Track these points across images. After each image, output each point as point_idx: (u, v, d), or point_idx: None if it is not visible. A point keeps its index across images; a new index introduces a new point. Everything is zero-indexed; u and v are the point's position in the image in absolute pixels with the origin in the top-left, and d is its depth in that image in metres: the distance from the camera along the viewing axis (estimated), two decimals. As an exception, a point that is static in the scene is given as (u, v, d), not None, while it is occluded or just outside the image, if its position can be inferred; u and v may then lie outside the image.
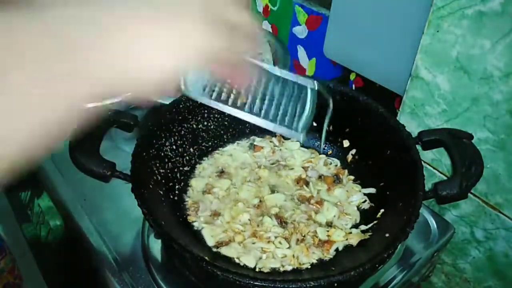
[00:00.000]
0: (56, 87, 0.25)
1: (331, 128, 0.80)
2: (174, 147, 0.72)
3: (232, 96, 0.44)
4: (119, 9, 0.27)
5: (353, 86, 0.99)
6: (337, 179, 0.74)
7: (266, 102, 0.46)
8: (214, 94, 0.44)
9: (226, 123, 0.80)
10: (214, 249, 0.62)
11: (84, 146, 0.58)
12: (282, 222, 0.66)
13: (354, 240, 0.63)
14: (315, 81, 0.45)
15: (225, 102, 0.44)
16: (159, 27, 0.28)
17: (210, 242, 0.63)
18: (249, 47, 0.35)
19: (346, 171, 0.76)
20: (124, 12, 0.27)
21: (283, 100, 0.47)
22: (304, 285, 0.48)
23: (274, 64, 0.70)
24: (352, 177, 0.75)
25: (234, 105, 0.44)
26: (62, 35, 0.25)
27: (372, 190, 0.71)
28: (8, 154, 0.25)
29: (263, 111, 0.45)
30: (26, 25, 0.25)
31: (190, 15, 0.29)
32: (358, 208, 0.70)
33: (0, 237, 0.64)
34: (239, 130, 0.82)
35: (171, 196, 0.68)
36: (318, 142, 0.81)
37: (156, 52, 0.28)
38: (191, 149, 0.76)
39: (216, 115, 0.79)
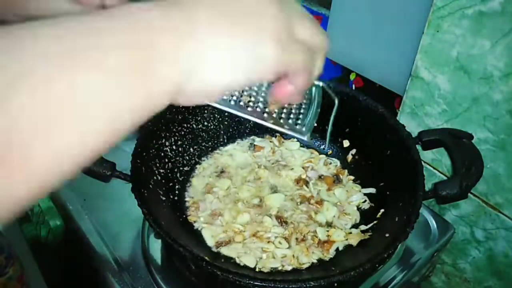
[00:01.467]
0: (132, 81, 0.24)
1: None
2: (174, 147, 0.72)
3: (236, 97, 0.44)
4: (199, 15, 0.27)
5: (353, 86, 0.99)
6: (337, 179, 0.74)
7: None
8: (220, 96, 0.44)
9: (226, 123, 0.80)
10: (214, 249, 0.62)
11: (84, 146, 0.58)
12: (282, 222, 0.66)
13: (354, 240, 0.63)
14: (321, 80, 0.45)
15: (230, 103, 0.44)
16: (235, 39, 0.27)
17: (210, 242, 0.63)
18: (320, 68, 0.34)
19: (346, 171, 0.76)
20: (203, 20, 0.27)
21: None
22: (304, 285, 0.48)
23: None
24: (352, 177, 0.75)
25: (239, 106, 0.44)
26: (143, 31, 0.25)
27: (372, 190, 0.71)
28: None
29: (266, 111, 0.45)
30: (108, 23, 0.24)
31: (263, 25, 0.28)
32: (358, 208, 0.70)
33: (9, 244, 0.64)
34: (239, 130, 0.82)
35: (171, 196, 0.68)
36: (318, 142, 0.81)
37: (229, 65, 0.28)
38: (191, 149, 0.76)
39: (216, 115, 0.79)
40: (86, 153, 0.24)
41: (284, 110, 0.46)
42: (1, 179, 0.21)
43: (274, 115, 0.45)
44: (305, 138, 0.46)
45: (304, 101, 0.47)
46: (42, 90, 0.21)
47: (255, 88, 0.46)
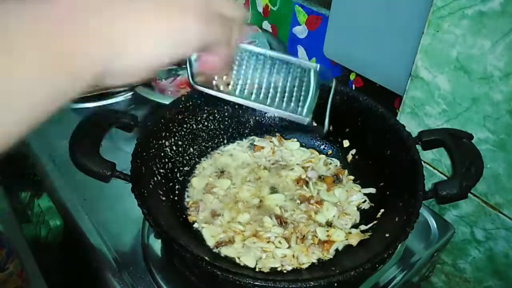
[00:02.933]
0: (58, 60, 0.25)
1: (331, 128, 0.80)
2: (174, 147, 0.72)
3: (237, 85, 0.45)
4: (120, 1, 0.28)
5: (353, 86, 0.99)
6: (337, 179, 0.74)
7: (270, 89, 0.46)
8: (220, 85, 0.44)
9: (226, 123, 0.80)
10: (214, 249, 0.62)
11: (84, 146, 0.58)
12: (282, 222, 0.66)
13: (354, 240, 0.63)
14: (318, 64, 0.46)
15: (235, 92, 0.44)
16: (159, 18, 0.29)
17: (210, 242, 0.63)
18: (241, 38, 0.37)
19: (346, 171, 0.76)
20: (125, 4, 0.28)
21: (287, 85, 0.47)
22: (304, 285, 0.48)
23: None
24: (352, 177, 0.75)
25: (243, 94, 0.44)
26: (63, 19, 0.26)
27: (372, 190, 0.71)
28: (5, 122, 0.25)
29: (268, 98, 0.45)
30: (25, 11, 0.25)
31: (189, 8, 0.30)
32: (358, 208, 0.70)
33: (9, 240, 0.64)
34: (239, 130, 0.82)
35: (171, 196, 0.68)
36: (318, 142, 0.81)
37: (154, 40, 0.29)
38: (191, 149, 0.76)
39: (216, 115, 0.79)
40: (6, 137, 0.25)
41: (285, 97, 0.46)
42: None
43: (276, 101, 0.45)
44: (306, 121, 0.46)
45: (303, 85, 0.47)
46: None
47: (256, 76, 0.46)
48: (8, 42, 0.24)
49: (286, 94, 0.47)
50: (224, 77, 0.45)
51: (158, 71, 0.79)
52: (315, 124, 0.49)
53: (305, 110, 0.46)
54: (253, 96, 0.45)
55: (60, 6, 0.26)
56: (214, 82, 0.44)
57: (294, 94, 0.47)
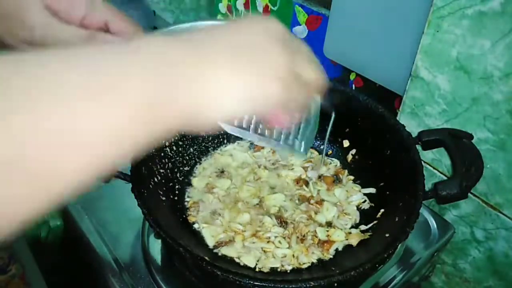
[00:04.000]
0: (149, 109, 0.25)
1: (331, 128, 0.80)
2: (174, 147, 0.72)
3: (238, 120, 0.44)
4: (203, 51, 0.29)
5: (353, 86, 0.99)
6: (337, 179, 0.74)
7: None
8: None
9: (226, 123, 0.80)
10: (214, 249, 0.62)
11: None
12: (282, 222, 0.66)
13: (354, 240, 0.63)
14: (318, 96, 0.46)
15: (233, 125, 0.44)
16: (244, 78, 0.30)
17: (210, 242, 0.63)
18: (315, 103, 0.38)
19: (346, 171, 0.76)
20: (206, 54, 0.29)
21: None
22: (304, 285, 0.48)
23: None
24: (352, 177, 0.75)
25: (240, 127, 0.44)
26: (162, 68, 0.26)
27: (372, 190, 0.71)
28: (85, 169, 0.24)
29: (267, 132, 0.45)
30: (123, 56, 0.26)
31: (274, 71, 0.31)
32: (358, 208, 0.70)
33: (10, 244, 0.64)
34: (239, 130, 0.82)
35: (171, 196, 0.68)
36: (318, 142, 0.81)
37: (238, 101, 0.30)
38: (191, 149, 0.76)
39: (216, 115, 0.79)
40: (90, 176, 0.25)
41: (283, 131, 0.46)
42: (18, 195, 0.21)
43: (274, 137, 0.45)
44: (303, 158, 0.47)
45: (302, 122, 0.47)
46: (65, 122, 0.22)
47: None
48: (102, 84, 0.24)
49: (284, 130, 0.47)
50: None
51: None
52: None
53: (303, 145, 0.47)
54: (251, 130, 0.45)
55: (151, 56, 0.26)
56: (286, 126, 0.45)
57: (292, 127, 0.47)
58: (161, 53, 0.27)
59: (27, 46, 0.40)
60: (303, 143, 0.46)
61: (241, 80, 0.30)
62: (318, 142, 0.81)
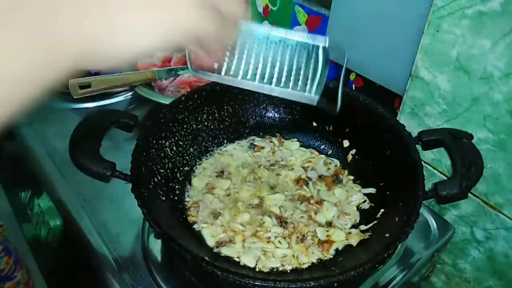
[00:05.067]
0: (35, 43, 0.24)
1: (331, 128, 0.80)
2: (174, 147, 0.72)
3: (239, 68, 0.43)
4: None
5: (353, 86, 0.99)
6: (337, 179, 0.74)
7: (276, 69, 0.44)
8: (223, 69, 0.42)
9: (226, 123, 0.80)
10: (214, 249, 0.62)
11: (84, 146, 0.58)
12: (282, 222, 0.66)
13: (354, 240, 0.63)
14: (326, 38, 0.44)
15: (234, 76, 0.42)
16: (152, 4, 0.27)
17: (210, 242, 0.63)
18: (234, 37, 0.35)
19: (346, 171, 0.76)
20: None
21: (293, 64, 0.44)
22: (304, 285, 0.48)
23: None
24: (352, 177, 0.75)
25: (246, 78, 0.42)
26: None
27: (372, 190, 0.71)
28: None
29: (274, 79, 0.43)
30: None
31: None
32: (358, 208, 0.70)
33: (16, 249, 0.64)
34: (239, 130, 0.82)
35: (171, 196, 0.68)
36: (318, 142, 0.81)
37: (145, 29, 0.27)
38: (191, 149, 0.76)
39: (216, 115, 0.79)
40: None
41: (292, 76, 0.44)
42: None
43: (282, 81, 0.43)
44: (315, 101, 0.44)
45: (311, 63, 0.45)
46: None
47: (261, 56, 0.44)
48: None
49: (293, 73, 0.45)
50: (226, 60, 0.43)
51: (158, 70, 0.78)
52: (324, 105, 0.46)
53: (314, 88, 0.44)
54: (257, 78, 0.43)
55: None
56: (215, 66, 0.43)
57: (302, 73, 0.45)
58: None
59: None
60: (313, 86, 0.44)
61: (157, 10, 0.27)
62: (318, 142, 0.81)
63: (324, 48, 0.45)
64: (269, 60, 0.44)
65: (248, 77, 0.43)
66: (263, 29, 0.43)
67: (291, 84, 0.44)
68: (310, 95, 0.44)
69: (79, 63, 0.26)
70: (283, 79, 0.44)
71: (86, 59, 0.27)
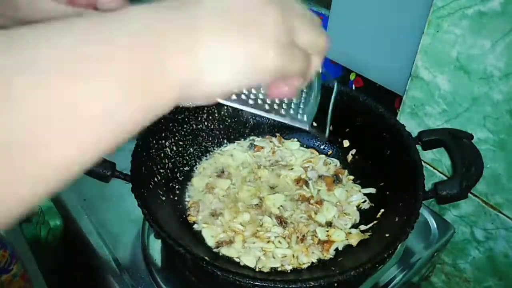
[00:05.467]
0: (141, 83, 0.24)
1: (331, 128, 0.80)
2: (174, 147, 0.72)
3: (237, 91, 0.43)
4: (202, 23, 0.27)
5: (353, 86, 0.99)
6: (336, 179, 0.74)
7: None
8: None
9: (226, 123, 0.80)
10: (214, 249, 0.62)
11: (84, 146, 0.58)
12: (282, 222, 0.66)
13: (354, 240, 0.63)
14: (321, 65, 0.44)
15: (232, 97, 0.43)
16: (237, 42, 0.27)
17: (210, 242, 0.63)
18: (318, 70, 0.35)
19: (346, 171, 0.76)
20: (193, 19, 0.27)
21: None
22: (304, 285, 0.48)
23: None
24: (352, 177, 0.75)
25: (241, 99, 0.43)
26: (150, 37, 0.25)
27: (372, 190, 0.71)
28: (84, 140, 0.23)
29: (266, 105, 0.44)
30: (110, 26, 0.24)
31: (269, 34, 0.28)
32: (358, 208, 0.70)
33: (11, 243, 0.64)
34: (239, 130, 0.82)
35: (171, 196, 0.68)
36: (318, 142, 0.81)
37: (232, 67, 0.27)
38: (191, 149, 0.76)
39: (216, 115, 0.79)
40: (86, 159, 0.23)
41: (285, 100, 0.45)
42: (5, 183, 0.20)
43: (276, 107, 0.44)
44: (307, 127, 0.44)
45: (304, 89, 0.46)
46: (43, 97, 0.20)
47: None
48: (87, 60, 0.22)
49: (286, 99, 0.46)
50: None
51: None
52: (316, 130, 0.47)
53: (305, 115, 0.45)
54: (251, 101, 0.44)
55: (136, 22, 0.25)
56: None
57: (295, 99, 0.46)
58: (145, 21, 0.25)
59: (13, 25, 0.39)
60: (306, 111, 0.45)
61: (235, 47, 0.27)
62: (318, 142, 0.81)
63: (317, 72, 0.46)
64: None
65: (242, 99, 0.44)
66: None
67: (283, 108, 0.45)
68: (303, 122, 0.45)
69: (173, 103, 0.27)
70: (276, 103, 0.45)
71: (178, 100, 0.27)
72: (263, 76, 0.29)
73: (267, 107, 0.44)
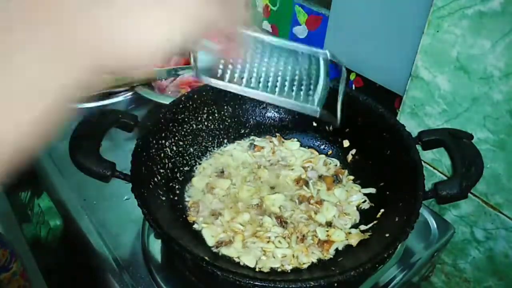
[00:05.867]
0: (49, 61, 0.24)
1: (331, 128, 0.80)
2: (174, 147, 0.72)
3: (244, 76, 0.43)
4: None
5: (353, 86, 0.99)
6: (337, 179, 0.74)
7: (279, 78, 0.44)
8: (226, 76, 0.42)
9: (226, 123, 0.80)
10: (214, 249, 0.62)
11: (84, 146, 0.58)
12: (282, 222, 0.66)
13: (354, 240, 0.63)
14: (327, 50, 0.44)
15: (242, 84, 0.42)
16: (159, 3, 0.27)
17: (210, 242, 0.63)
18: (243, 19, 0.34)
19: (346, 171, 0.76)
20: None
21: (295, 75, 0.45)
22: (304, 285, 0.48)
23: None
24: (352, 177, 0.75)
25: (249, 86, 0.42)
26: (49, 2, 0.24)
27: (372, 190, 0.71)
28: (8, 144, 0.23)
29: (277, 88, 0.44)
30: None
31: None
32: (358, 208, 0.70)
33: (11, 242, 0.64)
34: (239, 130, 0.82)
35: (171, 196, 0.68)
36: (318, 142, 0.81)
37: (148, 23, 0.27)
38: (191, 149, 0.76)
39: (216, 115, 0.79)
40: (21, 138, 0.24)
41: (294, 87, 0.44)
42: None
43: (285, 91, 0.43)
44: (317, 112, 0.44)
45: (313, 74, 0.45)
46: None
47: (264, 65, 0.44)
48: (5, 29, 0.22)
49: (295, 84, 0.45)
50: (230, 67, 0.43)
51: (158, 70, 0.77)
52: (327, 115, 0.46)
53: (315, 100, 0.44)
54: (261, 86, 0.43)
55: None
56: (219, 73, 0.43)
57: (304, 84, 0.45)
58: None
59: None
60: (315, 98, 0.44)
61: (157, 1, 0.26)
62: (318, 142, 0.81)
63: (324, 59, 0.45)
64: (272, 69, 0.44)
65: (252, 85, 0.43)
66: (264, 37, 0.43)
67: (293, 94, 0.44)
68: (313, 107, 0.44)
69: (99, 63, 0.26)
70: (286, 89, 0.44)
71: (104, 59, 0.26)
72: (188, 28, 0.28)
73: (277, 92, 0.43)
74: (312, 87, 0.45)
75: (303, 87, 0.45)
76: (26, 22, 0.24)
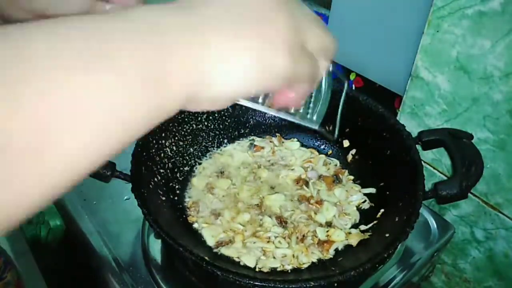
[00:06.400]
0: (155, 80, 0.23)
1: (331, 128, 0.80)
2: (174, 147, 0.72)
3: None
4: (198, 15, 0.26)
5: (353, 86, 0.99)
6: (337, 179, 0.74)
7: None
8: None
9: (226, 123, 0.80)
10: (214, 249, 0.62)
11: (84, 146, 0.58)
12: (282, 222, 0.66)
13: (354, 240, 0.63)
14: (330, 64, 0.44)
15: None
16: (244, 41, 0.26)
17: (210, 242, 0.63)
18: (325, 74, 0.34)
19: (346, 171, 0.76)
20: (202, 19, 0.26)
21: None
22: (304, 285, 0.48)
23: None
24: (352, 177, 0.75)
25: (250, 98, 0.43)
26: (158, 36, 0.24)
27: (372, 190, 0.71)
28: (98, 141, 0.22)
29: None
30: (117, 24, 0.23)
31: (280, 38, 0.27)
32: (358, 208, 0.70)
33: (4, 251, 0.64)
34: (239, 130, 0.82)
35: (171, 196, 0.68)
36: (318, 142, 0.81)
37: (244, 72, 0.27)
38: (191, 149, 0.76)
39: (216, 115, 0.79)
40: (89, 161, 0.23)
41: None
42: (14, 183, 0.20)
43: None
44: (316, 127, 0.44)
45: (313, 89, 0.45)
46: (53, 93, 0.20)
47: None
48: (108, 54, 0.22)
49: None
50: None
51: None
52: (325, 130, 0.46)
53: (315, 115, 0.45)
54: (260, 99, 0.43)
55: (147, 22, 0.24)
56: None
57: (305, 99, 0.45)
58: (152, 19, 0.24)
59: (26, 17, 0.38)
60: (316, 111, 0.44)
61: (247, 48, 0.26)
62: (318, 142, 0.81)
63: (327, 73, 0.45)
64: None
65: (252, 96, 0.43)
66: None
67: (292, 110, 0.45)
68: (312, 120, 0.44)
69: (182, 107, 0.26)
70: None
71: (193, 101, 0.26)
72: (273, 83, 0.28)
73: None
74: (313, 100, 0.45)
75: (303, 102, 0.45)
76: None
